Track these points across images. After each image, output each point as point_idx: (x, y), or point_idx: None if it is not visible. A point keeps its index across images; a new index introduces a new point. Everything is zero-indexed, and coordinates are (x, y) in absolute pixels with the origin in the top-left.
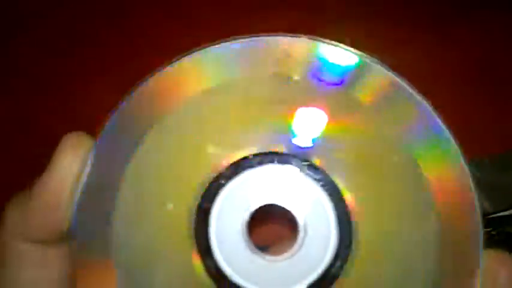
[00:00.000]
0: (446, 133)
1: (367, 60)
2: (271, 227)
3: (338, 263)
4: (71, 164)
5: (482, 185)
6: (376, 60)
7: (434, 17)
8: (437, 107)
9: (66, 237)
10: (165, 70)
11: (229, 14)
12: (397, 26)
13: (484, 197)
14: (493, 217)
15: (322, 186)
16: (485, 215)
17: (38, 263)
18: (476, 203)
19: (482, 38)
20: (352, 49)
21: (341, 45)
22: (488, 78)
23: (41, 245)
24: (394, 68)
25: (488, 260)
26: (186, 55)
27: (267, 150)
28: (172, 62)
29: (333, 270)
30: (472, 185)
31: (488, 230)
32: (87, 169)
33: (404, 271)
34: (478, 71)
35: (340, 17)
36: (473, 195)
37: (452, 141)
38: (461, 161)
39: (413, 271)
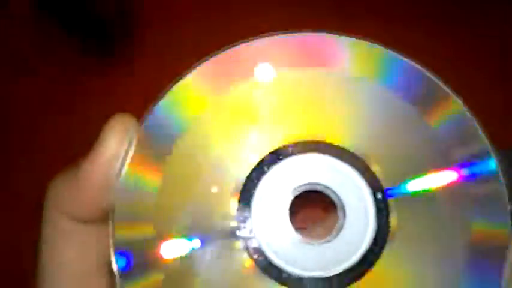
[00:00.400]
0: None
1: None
2: (309, 211)
3: (376, 249)
4: (118, 144)
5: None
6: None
7: (436, 17)
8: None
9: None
10: (219, 54)
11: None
12: (390, 24)
13: None
14: None
15: (361, 174)
16: None
17: (81, 243)
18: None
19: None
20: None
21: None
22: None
23: (85, 225)
24: None
25: None
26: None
27: (309, 140)
28: (226, 48)
29: (371, 255)
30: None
31: None
32: (132, 151)
33: (442, 255)
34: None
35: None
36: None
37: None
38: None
39: (450, 254)
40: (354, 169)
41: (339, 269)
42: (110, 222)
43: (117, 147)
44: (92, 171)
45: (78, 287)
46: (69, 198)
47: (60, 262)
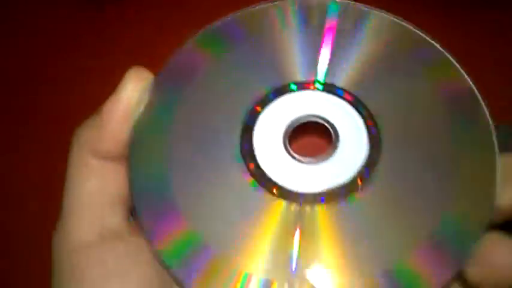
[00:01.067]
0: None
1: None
2: (308, 139)
3: (368, 168)
4: (135, 89)
5: (502, 149)
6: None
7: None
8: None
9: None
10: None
11: None
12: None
13: None
14: None
15: (353, 104)
16: None
17: (101, 176)
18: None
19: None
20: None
21: None
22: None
23: (107, 161)
24: None
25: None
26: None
27: (304, 80)
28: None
29: (364, 174)
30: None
31: None
32: (147, 98)
33: (430, 171)
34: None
35: None
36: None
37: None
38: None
39: (438, 167)
40: (346, 101)
41: (333, 185)
42: (127, 160)
43: (134, 90)
44: (112, 108)
45: (96, 215)
46: (92, 134)
47: (81, 193)
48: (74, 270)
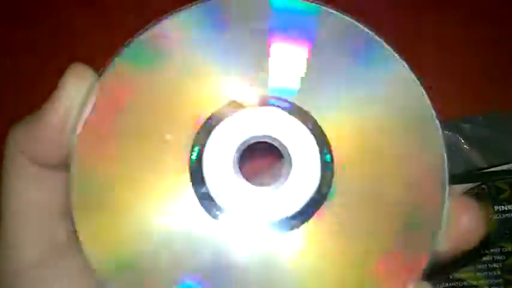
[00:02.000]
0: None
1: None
2: (259, 161)
3: (320, 195)
4: (77, 91)
5: (475, 140)
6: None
7: None
8: (433, 65)
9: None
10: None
11: None
12: None
13: (476, 151)
14: (484, 172)
15: (306, 124)
16: (477, 169)
17: (42, 186)
18: (442, 141)
19: None
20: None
21: None
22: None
23: (47, 169)
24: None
25: (452, 204)
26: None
27: (258, 95)
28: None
29: (316, 200)
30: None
31: (479, 184)
32: (90, 101)
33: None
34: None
35: None
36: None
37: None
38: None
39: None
40: (299, 120)
41: (283, 215)
42: (68, 169)
43: (75, 95)
44: (52, 112)
45: (37, 232)
46: (31, 139)
47: (20, 205)
48: None
